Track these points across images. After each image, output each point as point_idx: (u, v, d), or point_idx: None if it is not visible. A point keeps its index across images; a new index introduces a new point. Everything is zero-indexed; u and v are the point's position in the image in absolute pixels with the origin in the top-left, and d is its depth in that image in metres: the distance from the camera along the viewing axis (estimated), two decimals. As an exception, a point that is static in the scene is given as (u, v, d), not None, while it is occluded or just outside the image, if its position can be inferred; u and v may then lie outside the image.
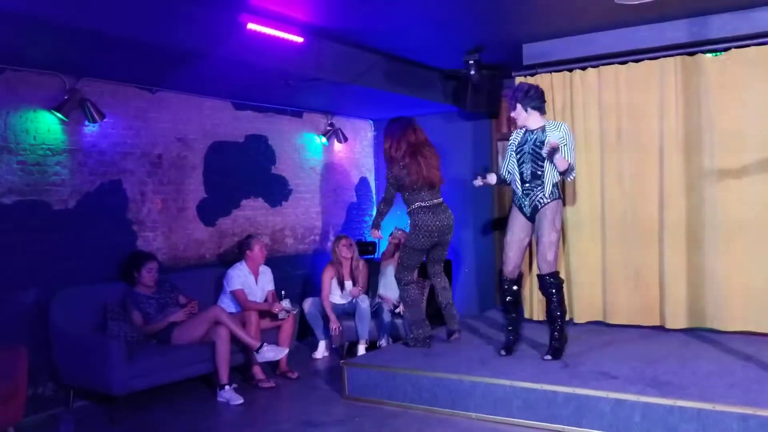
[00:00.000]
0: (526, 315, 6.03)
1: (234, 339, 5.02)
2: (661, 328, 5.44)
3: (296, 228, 7.18)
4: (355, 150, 8.09)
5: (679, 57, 5.31)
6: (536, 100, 4.71)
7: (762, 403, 3.51)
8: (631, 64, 5.51)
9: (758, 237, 5.05)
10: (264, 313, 5.52)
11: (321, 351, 6.19)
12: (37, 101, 4.93)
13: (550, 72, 5.86)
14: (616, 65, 5.57)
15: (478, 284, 7.60)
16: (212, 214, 6.24)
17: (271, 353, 5.11)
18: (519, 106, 4.71)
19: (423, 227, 5.05)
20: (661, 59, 5.37)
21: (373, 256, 7.62)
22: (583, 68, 5.71)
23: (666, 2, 4.76)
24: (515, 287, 4.90)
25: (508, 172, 4.86)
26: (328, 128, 7.53)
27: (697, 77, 5.23)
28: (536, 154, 4.64)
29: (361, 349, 6.01)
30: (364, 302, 6.16)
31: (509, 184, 4.92)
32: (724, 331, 5.18)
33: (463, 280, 7.64)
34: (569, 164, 4.54)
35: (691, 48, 5.25)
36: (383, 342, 6.10)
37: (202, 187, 6.16)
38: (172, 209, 5.88)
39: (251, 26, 4.68)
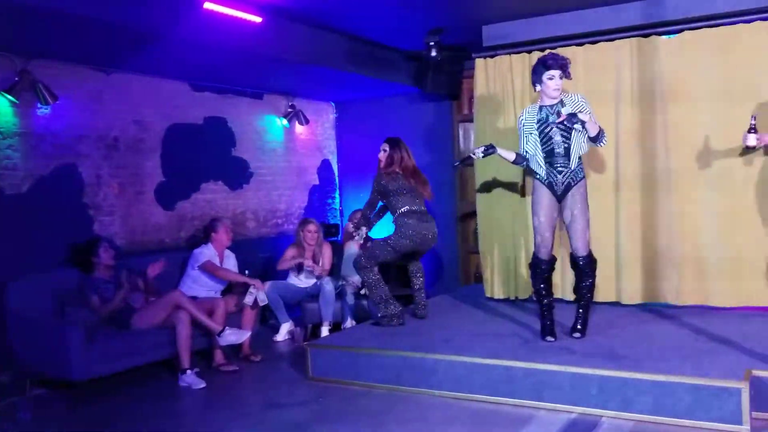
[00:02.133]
0: (487, 293, 6.12)
1: (195, 323, 4.99)
2: (617, 304, 5.57)
3: (258, 211, 7.14)
4: (317, 132, 8.05)
5: (634, 39, 5.38)
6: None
7: (713, 374, 3.63)
8: (588, 45, 5.58)
9: (711, 216, 5.18)
10: (229, 291, 5.51)
11: (283, 334, 6.18)
12: (-13, 83, 4.80)
13: (510, 54, 5.90)
14: (574, 47, 5.61)
15: (441, 266, 7.67)
16: (171, 197, 6.16)
17: (233, 336, 5.09)
18: (565, 77, 4.44)
19: (415, 232, 5.17)
20: (617, 41, 5.45)
21: (336, 238, 7.63)
22: (542, 50, 5.75)
23: (621, -17, 4.85)
24: (551, 270, 4.73)
25: (526, 151, 4.61)
26: (289, 110, 7.48)
27: (651, 59, 5.31)
28: (565, 128, 4.43)
29: (325, 331, 6.03)
30: (328, 284, 6.17)
31: (525, 165, 4.72)
32: (677, 306, 5.33)
33: (427, 262, 7.69)
34: (600, 128, 4.40)
35: (646, 30, 5.33)
36: (348, 323, 6.12)
37: (160, 171, 6.07)
38: (130, 193, 5.79)
39: (208, 5, 4.61)
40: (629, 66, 5.41)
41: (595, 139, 4.43)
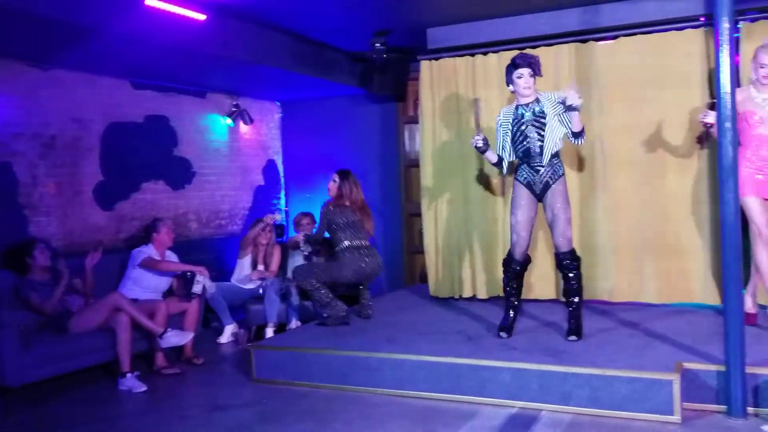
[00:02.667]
0: (431, 292, 6.20)
1: (136, 325, 4.89)
2: (557, 302, 5.71)
3: (200, 212, 7.05)
4: (262, 132, 8.00)
5: (573, 44, 5.54)
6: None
7: (646, 367, 3.77)
8: (528, 49, 5.70)
9: (645, 215, 5.37)
10: (171, 294, 5.45)
11: (227, 336, 6.11)
12: None
13: (454, 56, 5.99)
14: (516, 50, 5.73)
15: (386, 265, 7.68)
16: (110, 197, 6.03)
17: (175, 338, 5.01)
18: (536, 76, 4.43)
19: (350, 266, 5.25)
20: (556, 46, 5.60)
21: (282, 238, 7.60)
22: (485, 53, 5.87)
23: (561, -11, 4.99)
24: (524, 270, 4.72)
25: (503, 148, 4.59)
26: (233, 109, 7.41)
27: (588, 64, 5.48)
28: (540, 126, 4.42)
29: (269, 332, 6.00)
30: (274, 285, 6.15)
31: (501, 165, 4.70)
32: (613, 302, 5.51)
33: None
34: (582, 125, 4.37)
35: (584, 35, 5.50)
36: (292, 325, 6.10)
37: (99, 170, 5.93)
38: (67, 193, 5.64)
39: (149, 2, 4.53)
40: (567, 69, 5.56)
41: (579, 135, 4.40)
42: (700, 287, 5.23)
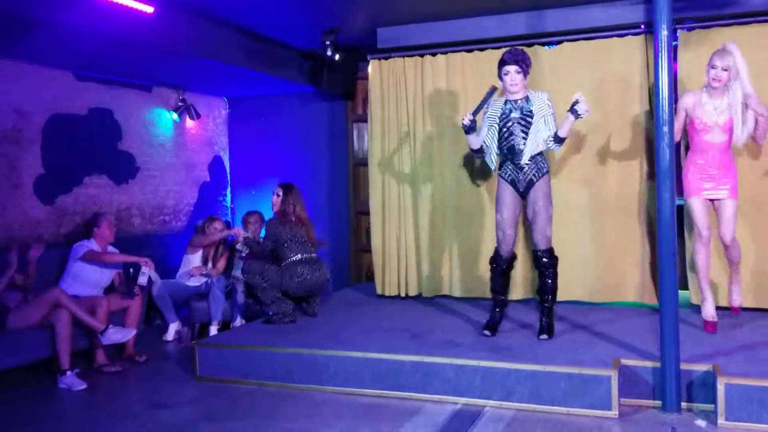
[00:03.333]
0: (378, 291, 6.24)
1: (76, 322, 4.78)
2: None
3: (144, 207, 6.91)
4: (209, 127, 7.90)
5: (519, 48, 5.64)
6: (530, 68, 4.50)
7: (586, 363, 3.90)
8: (476, 52, 5.81)
9: (590, 216, 5.52)
10: (112, 290, 5.35)
11: (171, 333, 6.02)
12: None
13: (403, 56, 6.05)
14: (463, 53, 5.85)
15: (332, 263, 7.70)
16: (51, 191, 5.86)
17: (117, 335, 4.91)
18: (524, 72, 4.40)
19: (297, 279, 5.27)
20: (503, 49, 5.69)
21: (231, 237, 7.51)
22: (434, 54, 5.95)
23: (509, -6, 5.09)
24: (510, 267, 4.71)
25: (486, 144, 4.57)
26: (180, 104, 7.29)
27: (534, 67, 5.58)
28: (526, 124, 4.42)
29: (214, 330, 5.94)
30: (219, 283, 6.09)
31: (480, 155, 4.67)
32: (558, 301, 5.64)
33: (319, 259, 7.70)
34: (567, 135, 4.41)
35: (529, 39, 5.63)
36: (237, 323, 6.05)
37: (39, 162, 5.76)
38: (6, 185, 5.46)
39: (95, -8, 4.44)
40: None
41: (561, 141, 4.42)
42: (638, 287, 5.41)
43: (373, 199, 6.25)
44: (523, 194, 4.52)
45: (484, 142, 4.57)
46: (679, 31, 5.11)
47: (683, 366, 3.72)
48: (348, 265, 7.61)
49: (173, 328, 6.04)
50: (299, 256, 5.35)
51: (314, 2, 5.29)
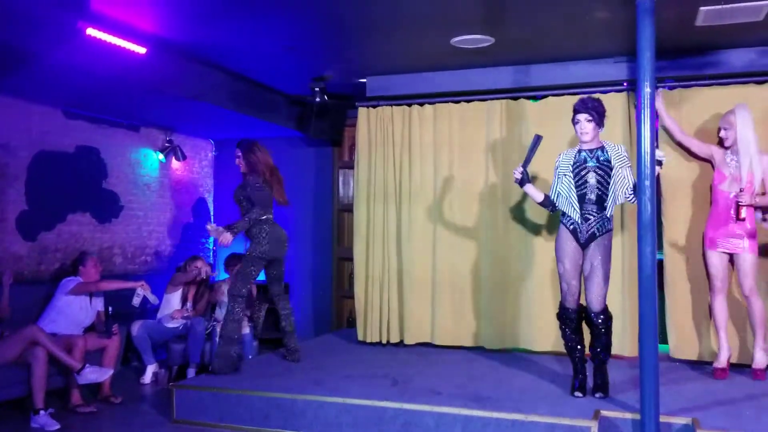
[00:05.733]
0: (359, 337, 6.20)
1: (53, 360, 4.70)
2: (481, 349, 5.82)
3: (126, 246, 6.88)
4: (194, 169, 7.93)
5: (504, 100, 5.81)
6: (604, 119, 4.35)
7: (566, 414, 3.89)
8: (463, 103, 5.95)
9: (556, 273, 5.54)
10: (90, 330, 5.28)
11: (148, 376, 5.92)
12: None
13: (392, 105, 6.17)
14: (451, 103, 5.98)
15: (314, 309, 7.69)
16: (33, 227, 5.83)
17: (93, 375, 4.83)
18: (596, 121, 4.27)
19: (270, 236, 5.07)
20: (489, 101, 5.86)
21: (212, 278, 7.46)
22: (421, 104, 6.07)
23: (496, 50, 5.24)
24: (581, 319, 4.44)
25: (559, 193, 4.42)
26: (167, 145, 7.33)
27: (518, 120, 5.75)
28: (603, 174, 4.28)
29: (191, 373, 5.85)
30: (200, 325, 6.03)
31: (548, 207, 4.53)
32: (535, 352, 5.66)
33: (300, 305, 7.69)
34: None
35: (515, 93, 5.77)
36: (214, 362, 5.95)
37: (23, 198, 5.74)
38: (-13, 220, 5.44)
39: (91, 32, 4.50)
40: (499, 123, 5.82)
41: (635, 194, 4.09)
42: (618, 340, 5.43)
43: (357, 246, 6.27)
44: (584, 246, 4.35)
45: (559, 193, 4.41)
46: (660, 89, 5.27)
47: (662, 419, 3.73)
48: (330, 310, 7.59)
49: (151, 369, 5.95)
50: (266, 215, 5.09)
51: (305, 50, 5.40)
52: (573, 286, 4.37)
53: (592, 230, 4.31)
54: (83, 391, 5.03)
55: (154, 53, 5.12)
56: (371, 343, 6.16)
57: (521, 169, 4.48)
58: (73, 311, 5.28)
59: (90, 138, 6.44)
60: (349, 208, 7.05)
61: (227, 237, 4.83)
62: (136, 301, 5.20)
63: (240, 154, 5.19)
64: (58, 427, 4.51)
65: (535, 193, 4.54)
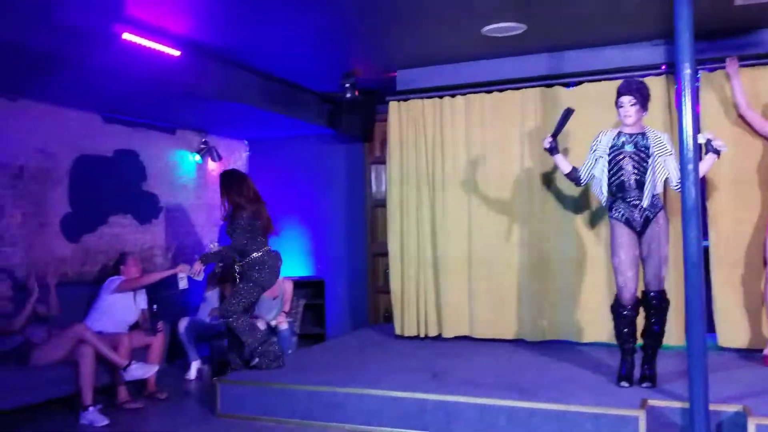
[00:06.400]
0: (397, 331, 6.21)
1: (99, 358, 4.80)
2: (522, 342, 5.78)
3: (166, 246, 6.98)
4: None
5: (538, 88, 5.74)
6: (648, 102, 4.27)
7: (611, 404, 3.84)
8: (495, 93, 5.90)
9: (605, 261, 5.48)
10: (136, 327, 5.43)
11: (193, 371, 6.02)
12: None
13: (422, 98, 6.15)
14: (483, 94, 5.93)
15: (350, 304, 7.71)
16: (77, 229, 5.95)
17: (139, 371, 4.92)
18: (640, 104, 4.19)
19: (274, 269, 5.16)
20: (522, 90, 5.80)
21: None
22: (453, 95, 6.04)
23: (528, 37, 5.19)
24: (636, 313, 4.31)
25: (593, 175, 4.40)
26: (202, 146, 7.42)
27: (553, 108, 5.66)
28: (639, 161, 4.20)
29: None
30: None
31: (576, 182, 4.54)
32: (578, 343, 5.60)
33: (336, 299, 7.73)
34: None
35: (549, 80, 5.70)
36: (256, 361, 6.01)
37: (66, 202, 5.87)
38: (33, 224, 5.56)
39: (126, 36, 4.57)
40: (533, 113, 5.75)
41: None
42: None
43: (391, 241, 6.27)
44: (640, 233, 4.25)
45: (593, 175, 4.39)
46: (700, 72, 5.16)
47: (712, 407, 3.64)
48: (366, 305, 7.60)
49: (195, 365, 6.04)
50: (260, 252, 5.10)
51: (335, 47, 5.41)
52: (629, 277, 4.25)
53: (644, 214, 4.23)
54: (130, 388, 5.12)
55: (188, 55, 5.19)
56: (409, 337, 6.16)
57: (550, 138, 4.50)
58: (118, 310, 5.39)
59: (128, 142, 6.55)
60: (382, 204, 7.05)
61: (197, 267, 5.01)
62: (182, 284, 5.24)
63: (221, 190, 5.16)
64: (106, 422, 4.60)
65: (564, 164, 4.55)
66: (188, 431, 4.45)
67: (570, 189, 5.56)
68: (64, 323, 4.99)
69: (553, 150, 4.53)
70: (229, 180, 5.20)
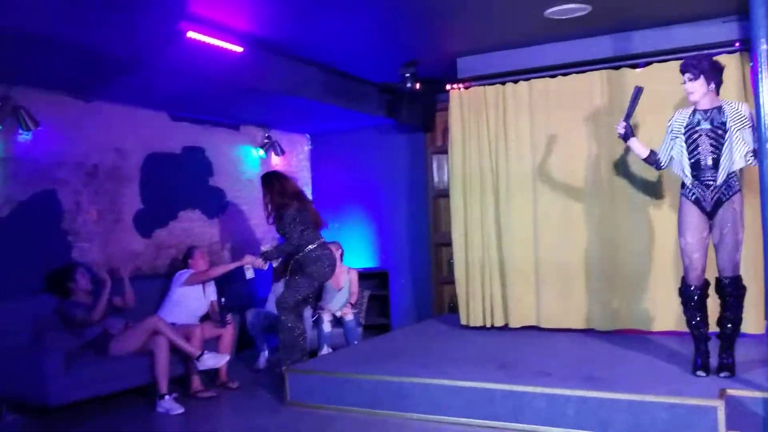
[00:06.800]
0: (462, 321, 6.17)
1: (173, 349, 4.96)
2: (591, 332, 5.66)
3: (233, 240, 7.14)
4: (293, 163, 8.12)
5: (604, 71, 5.58)
6: (719, 75, 4.05)
7: (687, 393, 3.72)
8: (560, 77, 5.77)
9: (677, 248, 5.29)
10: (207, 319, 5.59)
11: (262, 361, 6.15)
12: (-31, 109, 4.81)
13: (484, 85, 6.07)
14: (547, 79, 5.81)
15: (414, 295, 7.72)
16: (149, 225, 6.16)
17: (211, 361, 5.07)
18: (702, 77, 4.00)
19: (327, 260, 5.24)
20: (588, 73, 5.64)
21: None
22: (515, 81, 5.94)
23: (593, 18, 5.05)
24: (705, 295, 4.19)
25: (671, 157, 4.22)
26: (266, 141, 7.55)
27: (621, 91, 5.50)
28: (716, 138, 4.00)
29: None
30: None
31: (654, 165, 4.37)
32: (651, 332, 5.44)
33: (401, 290, 7.75)
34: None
35: (615, 62, 5.53)
36: (324, 351, 6.11)
37: (138, 198, 6.08)
38: (108, 220, 5.78)
39: (191, 34, 4.68)
40: (600, 96, 5.60)
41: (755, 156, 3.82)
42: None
43: (455, 230, 6.22)
44: (710, 214, 4.09)
45: (672, 158, 4.23)
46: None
47: (795, 396, 3.51)
48: (430, 296, 7.59)
49: (264, 356, 6.17)
50: (314, 245, 5.20)
51: (395, 37, 5.40)
52: (695, 260, 4.13)
53: (716, 196, 4.05)
54: (203, 378, 5.28)
55: (250, 51, 5.28)
56: (475, 327, 6.12)
57: (624, 123, 4.34)
58: (189, 302, 5.56)
59: (195, 138, 6.72)
60: (444, 194, 7.01)
61: (259, 262, 5.23)
62: (248, 274, 5.37)
63: (263, 192, 5.31)
64: (182, 410, 4.76)
65: (640, 148, 4.38)
66: (260, 419, 4.55)
67: (640, 173, 5.40)
68: (139, 316, 5.17)
69: (627, 135, 4.36)
70: (270, 181, 5.35)
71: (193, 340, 5.12)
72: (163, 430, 4.54)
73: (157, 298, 5.63)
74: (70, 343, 4.81)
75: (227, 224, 7.07)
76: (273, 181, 5.32)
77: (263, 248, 5.33)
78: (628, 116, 4.37)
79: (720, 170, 4.02)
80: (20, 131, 5.06)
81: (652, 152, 4.36)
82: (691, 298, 4.18)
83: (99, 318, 4.92)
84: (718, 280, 4.15)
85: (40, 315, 4.85)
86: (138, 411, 4.91)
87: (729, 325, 4.15)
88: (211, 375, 5.42)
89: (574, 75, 5.69)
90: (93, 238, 5.62)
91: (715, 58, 4.19)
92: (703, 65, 4.01)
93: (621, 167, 5.54)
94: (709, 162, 4.04)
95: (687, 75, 4.06)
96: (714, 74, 4.04)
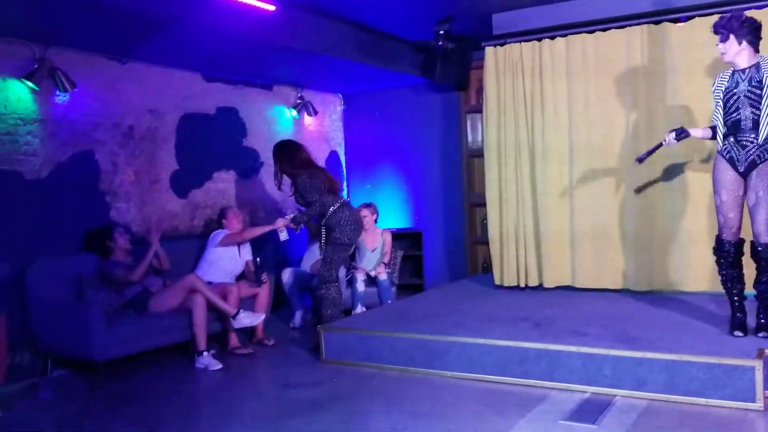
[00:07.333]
0: (496, 281, 6.17)
1: (210, 307, 5.06)
2: (626, 291, 5.62)
3: (266, 201, 7.19)
4: (325, 123, 8.11)
5: (645, 26, 5.42)
6: (753, 33, 3.94)
7: (725, 353, 3.68)
8: (598, 33, 5.62)
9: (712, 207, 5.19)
10: (242, 278, 5.68)
11: (297, 320, 6.25)
12: (7, 70, 4.86)
13: (520, 42, 5.94)
14: (584, 34, 5.67)
15: (447, 255, 7.73)
16: (185, 185, 6.23)
17: (247, 319, 5.16)
18: (732, 37, 3.93)
19: (349, 221, 5.26)
20: (628, 28, 5.48)
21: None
22: (552, 37, 5.80)
23: (632, -30, 4.90)
24: (740, 253, 4.14)
25: (717, 119, 4.14)
26: (298, 101, 7.53)
27: (662, 46, 5.35)
28: (755, 98, 3.92)
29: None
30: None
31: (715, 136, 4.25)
32: (688, 292, 5.38)
33: (434, 250, 7.76)
34: None
35: (656, 17, 5.37)
36: (357, 310, 6.18)
37: (174, 159, 6.14)
38: (145, 181, 5.86)
39: (224, -7, 4.66)
40: (640, 52, 5.44)
41: None
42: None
43: (489, 190, 6.18)
44: (744, 175, 4.02)
45: (717, 124, 4.13)
46: None
47: (838, 356, 3.46)
48: (464, 256, 7.59)
49: (299, 314, 6.27)
50: (339, 202, 5.30)
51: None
52: (730, 219, 4.09)
53: (751, 158, 3.98)
54: (239, 335, 5.39)
55: (283, 9, 5.24)
56: (509, 287, 6.11)
57: (674, 133, 4.38)
58: (224, 262, 5.64)
59: (228, 99, 6.73)
60: (478, 154, 6.95)
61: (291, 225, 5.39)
62: (282, 236, 5.50)
63: (274, 162, 5.46)
64: (220, 366, 4.87)
65: (702, 132, 4.37)
66: (295, 375, 4.64)
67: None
68: (176, 275, 5.28)
69: (681, 134, 4.36)
70: (280, 151, 5.47)
71: (230, 298, 5.21)
72: (203, 385, 4.66)
73: (194, 257, 5.73)
74: (112, 300, 4.93)
75: (261, 185, 7.11)
76: (282, 151, 5.44)
77: (289, 216, 5.48)
78: (646, 154, 4.59)
79: (761, 129, 3.93)
80: (57, 93, 5.12)
81: (711, 127, 4.29)
82: (727, 255, 4.15)
83: (139, 278, 5.03)
84: (753, 245, 4.06)
85: (82, 273, 4.97)
86: (178, 367, 5.04)
87: (767, 288, 4.06)
88: (248, 332, 5.53)
89: (612, 30, 5.54)
90: (130, 199, 5.71)
91: (748, 14, 4.07)
92: (731, 25, 3.95)
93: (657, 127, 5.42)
94: (749, 123, 3.96)
95: (718, 37, 4.01)
96: (747, 32, 3.94)
